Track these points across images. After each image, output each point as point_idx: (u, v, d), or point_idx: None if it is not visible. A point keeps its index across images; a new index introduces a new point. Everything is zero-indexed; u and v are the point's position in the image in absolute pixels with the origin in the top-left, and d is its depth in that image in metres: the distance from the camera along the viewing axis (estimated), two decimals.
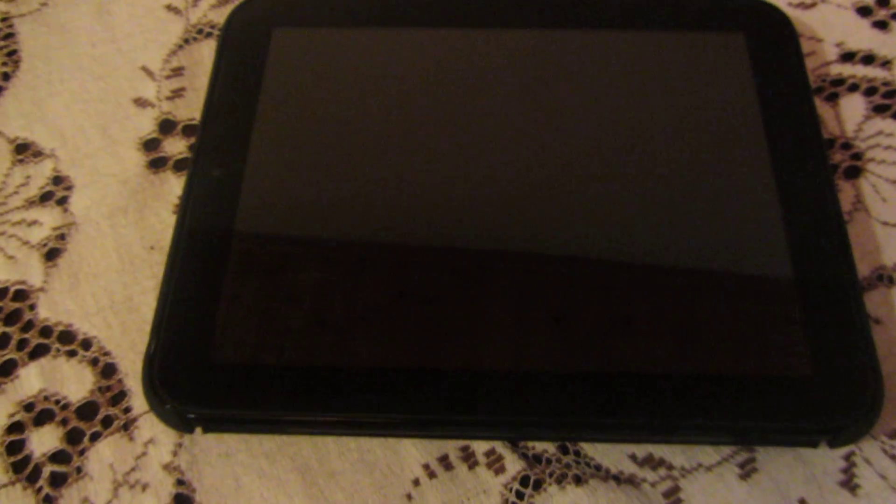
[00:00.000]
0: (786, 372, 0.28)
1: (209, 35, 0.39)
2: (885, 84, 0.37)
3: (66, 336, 0.31)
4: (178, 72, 0.37)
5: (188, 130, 0.36)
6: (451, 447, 0.29)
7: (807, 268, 0.30)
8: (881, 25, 0.39)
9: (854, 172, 0.35)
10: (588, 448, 0.29)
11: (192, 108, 0.36)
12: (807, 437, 0.28)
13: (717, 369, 0.28)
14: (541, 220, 0.32)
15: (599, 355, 0.29)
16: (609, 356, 0.29)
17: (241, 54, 0.36)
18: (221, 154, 0.33)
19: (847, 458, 0.29)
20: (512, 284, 0.30)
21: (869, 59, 0.38)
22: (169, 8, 0.39)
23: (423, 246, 0.31)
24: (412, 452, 0.29)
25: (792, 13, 0.38)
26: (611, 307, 0.29)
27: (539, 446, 0.29)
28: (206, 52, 0.38)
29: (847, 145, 0.35)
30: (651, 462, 0.29)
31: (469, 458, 0.29)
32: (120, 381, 0.30)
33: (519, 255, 0.31)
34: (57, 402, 0.30)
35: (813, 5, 0.39)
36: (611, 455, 0.29)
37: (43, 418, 0.30)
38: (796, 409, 0.27)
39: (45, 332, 0.31)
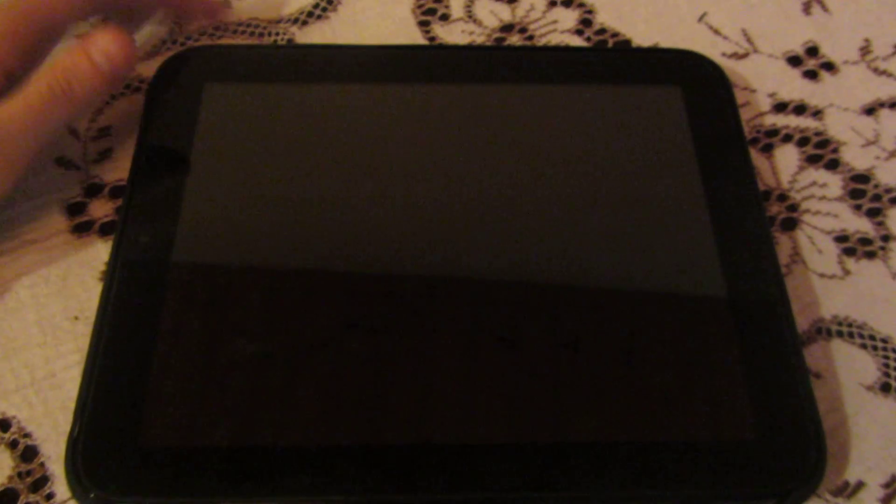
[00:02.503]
0: (731, 437, 0.28)
1: (137, 90, 0.37)
2: (817, 134, 0.38)
3: None
4: (104, 132, 0.36)
5: (115, 192, 0.34)
6: None
7: (748, 327, 0.30)
8: (811, 75, 0.39)
9: (790, 224, 0.35)
10: None
11: (121, 170, 0.35)
12: (754, 502, 0.28)
13: (663, 437, 0.28)
14: (481, 286, 0.31)
15: (544, 428, 0.28)
16: (554, 428, 0.28)
17: (171, 110, 0.34)
18: (151, 216, 0.32)
19: None
20: (453, 356, 0.29)
21: (801, 110, 0.38)
22: None
23: (362, 315, 0.30)
24: None
25: (725, 63, 0.39)
26: (554, 379, 0.29)
27: None
28: (135, 108, 0.36)
29: (783, 196, 0.36)
30: None
31: None
32: (42, 464, 0.29)
33: (459, 321, 0.30)
34: None
35: (745, 56, 0.40)
36: None
37: None
38: (742, 475, 0.27)
39: None
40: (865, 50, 0.40)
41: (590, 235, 0.33)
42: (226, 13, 0.39)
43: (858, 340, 0.32)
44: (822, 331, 0.32)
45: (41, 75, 0.30)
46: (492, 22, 0.40)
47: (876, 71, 0.39)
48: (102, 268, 0.32)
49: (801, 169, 0.37)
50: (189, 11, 0.38)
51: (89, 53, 0.30)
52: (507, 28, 0.40)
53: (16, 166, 0.30)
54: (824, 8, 0.41)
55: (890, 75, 0.39)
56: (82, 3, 0.33)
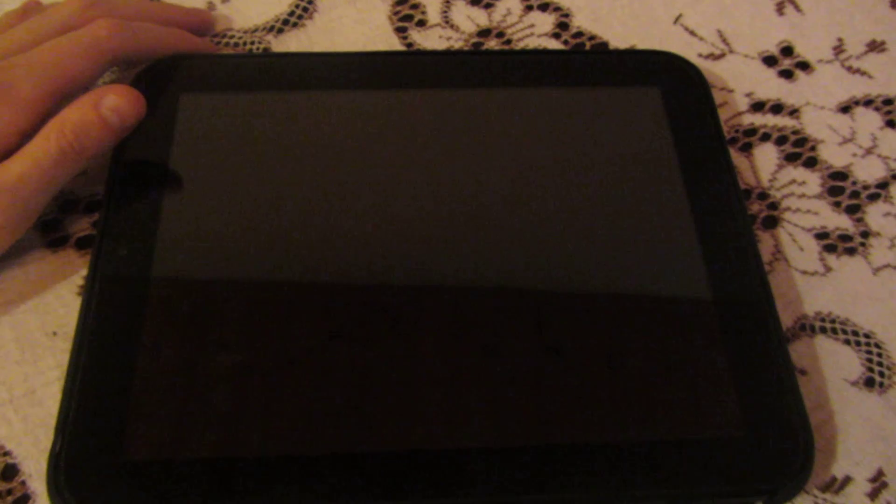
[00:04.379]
0: (719, 435, 0.28)
1: None
2: (795, 133, 0.38)
3: None
4: None
5: (91, 207, 0.34)
6: None
7: (733, 324, 0.30)
8: (787, 75, 0.40)
9: (771, 222, 0.35)
10: None
11: (95, 185, 0.34)
12: (743, 499, 0.28)
13: (651, 437, 0.28)
14: (463, 293, 0.31)
15: (529, 431, 0.28)
16: (540, 431, 0.28)
17: (146, 122, 0.34)
18: (129, 229, 0.31)
19: None
20: (438, 361, 0.29)
21: (778, 109, 0.39)
22: None
23: (344, 325, 0.30)
24: None
25: (702, 64, 0.39)
26: (539, 383, 0.29)
27: None
28: None
29: (763, 195, 0.36)
30: None
31: None
32: (23, 483, 0.28)
33: (442, 329, 0.30)
34: None
35: (721, 56, 0.40)
36: None
37: None
38: (731, 473, 0.27)
39: None
40: (839, 49, 0.41)
41: (572, 239, 0.32)
42: (213, 20, 0.40)
43: (842, 336, 0.32)
44: (806, 327, 0.33)
45: (51, 134, 0.30)
46: (469, 27, 0.40)
47: (850, 69, 0.40)
48: (80, 282, 0.32)
49: (780, 167, 0.37)
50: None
51: (99, 110, 0.31)
52: (485, 33, 0.40)
53: (26, 222, 0.31)
54: (797, 8, 0.42)
55: (864, 73, 0.40)
56: (103, 68, 0.33)
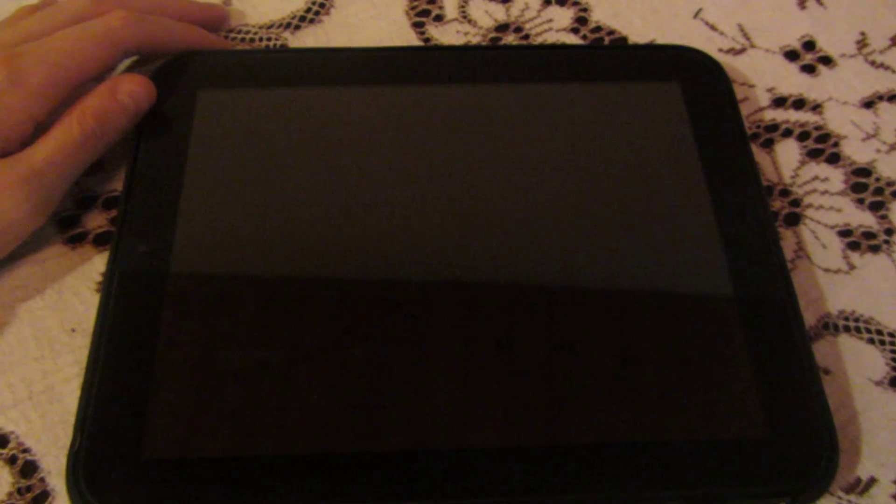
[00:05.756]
0: (742, 435, 0.28)
1: None
2: (817, 128, 0.37)
3: None
4: None
5: (109, 203, 0.34)
6: None
7: (755, 323, 0.30)
8: (809, 69, 0.39)
9: (794, 219, 0.35)
10: None
11: (113, 181, 0.34)
12: (766, 500, 0.27)
13: (674, 437, 0.27)
14: (480, 290, 0.31)
15: (548, 431, 0.28)
16: (560, 431, 0.28)
17: (164, 118, 0.34)
18: (148, 225, 0.31)
19: None
20: (452, 357, 0.29)
21: (800, 104, 0.38)
22: None
23: (361, 322, 0.30)
24: None
25: (723, 59, 0.38)
26: (559, 381, 0.29)
27: None
28: None
29: (785, 192, 0.36)
30: None
31: None
32: (42, 480, 0.28)
33: (459, 325, 0.30)
34: None
35: (742, 51, 0.39)
36: None
37: None
38: (754, 473, 0.27)
39: None
40: (862, 43, 0.40)
41: (592, 236, 0.32)
42: (228, 15, 0.39)
43: (866, 335, 0.32)
44: (829, 326, 0.32)
45: (73, 121, 0.31)
46: (487, 22, 0.40)
47: (873, 64, 0.39)
48: (98, 278, 0.32)
49: (803, 163, 0.36)
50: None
51: (116, 96, 0.32)
52: (503, 28, 0.40)
53: (50, 206, 0.31)
54: (819, 2, 0.41)
55: (887, 68, 0.39)
56: (114, 59, 0.34)
